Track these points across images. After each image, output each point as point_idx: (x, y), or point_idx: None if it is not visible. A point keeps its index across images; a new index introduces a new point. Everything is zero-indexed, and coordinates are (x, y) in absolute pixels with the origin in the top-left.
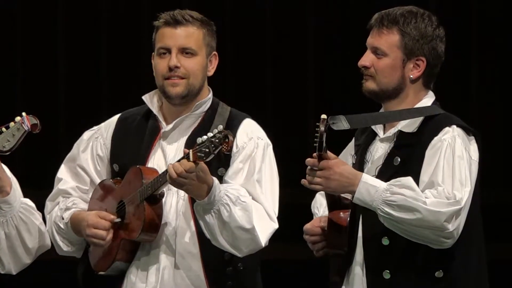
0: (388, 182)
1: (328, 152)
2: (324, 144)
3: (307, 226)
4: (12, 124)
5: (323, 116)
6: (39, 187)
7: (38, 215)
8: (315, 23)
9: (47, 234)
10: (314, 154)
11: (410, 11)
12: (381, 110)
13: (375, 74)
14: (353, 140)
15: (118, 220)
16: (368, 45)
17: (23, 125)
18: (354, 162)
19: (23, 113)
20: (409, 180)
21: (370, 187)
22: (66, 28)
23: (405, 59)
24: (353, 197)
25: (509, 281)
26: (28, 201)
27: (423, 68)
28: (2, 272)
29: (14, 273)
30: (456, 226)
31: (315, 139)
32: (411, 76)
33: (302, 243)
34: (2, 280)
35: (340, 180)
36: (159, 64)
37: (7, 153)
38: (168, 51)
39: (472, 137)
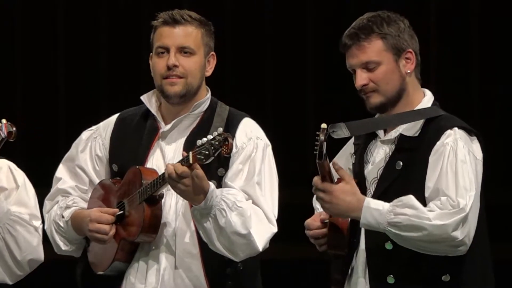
0: (390, 204)
1: (328, 161)
2: (324, 153)
3: (308, 220)
4: None
5: (323, 125)
6: (38, 186)
7: (32, 228)
8: (314, 22)
9: (40, 247)
10: (317, 162)
11: (374, 16)
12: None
13: (376, 87)
14: (352, 138)
15: (121, 212)
16: (354, 66)
17: (0, 132)
18: (354, 161)
19: (3, 120)
20: (410, 198)
21: (374, 211)
22: (65, 27)
23: (396, 58)
24: (358, 222)
25: (509, 281)
26: (20, 213)
27: (414, 58)
28: None
29: (10, 283)
30: (466, 233)
31: (315, 147)
32: (408, 71)
33: (302, 243)
34: None
35: (342, 206)
36: (158, 64)
37: None
38: (167, 50)
39: (474, 137)
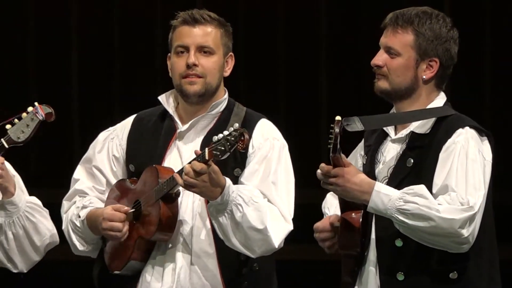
0: (401, 191)
1: (342, 155)
2: (338, 146)
3: (317, 223)
4: (24, 114)
5: (338, 118)
6: (53, 187)
7: (45, 212)
8: (328, 22)
9: (54, 231)
10: (331, 156)
11: (425, 12)
12: (393, 110)
13: (387, 74)
14: (362, 141)
15: (133, 210)
16: (382, 45)
17: (37, 114)
18: (364, 162)
19: (36, 103)
20: (422, 188)
21: (384, 196)
22: (79, 28)
23: (419, 59)
24: (367, 205)
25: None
26: (33, 199)
27: (436, 69)
28: (15, 271)
29: (25, 271)
30: (471, 231)
31: (329, 141)
32: (424, 77)
33: (317, 244)
34: (16, 280)
35: (353, 189)
36: (177, 63)
37: (21, 144)
38: (186, 49)
39: (485, 138)
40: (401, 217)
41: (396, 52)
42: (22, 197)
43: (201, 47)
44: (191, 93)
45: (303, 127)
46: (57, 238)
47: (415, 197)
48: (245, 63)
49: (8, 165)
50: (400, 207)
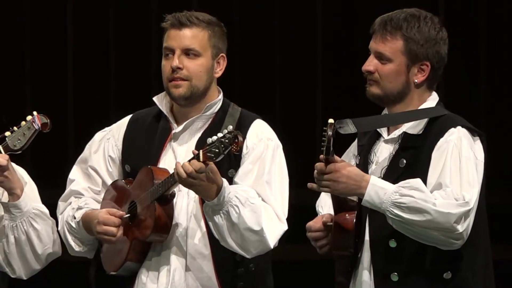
0: (397, 184)
1: (335, 156)
2: (331, 148)
3: (310, 223)
4: (23, 123)
5: (330, 120)
6: (48, 187)
7: (51, 221)
8: (324, 22)
9: (58, 241)
10: (321, 156)
11: (413, 15)
12: (384, 111)
13: (379, 79)
14: (356, 140)
15: (128, 215)
16: (372, 50)
17: (33, 124)
18: (357, 162)
19: (34, 112)
20: (418, 181)
21: (379, 189)
22: (75, 27)
23: (410, 64)
24: (361, 199)
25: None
26: (41, 207)
27: (428, 72)
28: (13, 276)
29: (24, 278)
30: (465, 227)
31: (322, 143)
32: (416, 81)
33: (312, 244)
34: (14, 281)
35: (348, 183)
36: (164, 66)
37: (18, 152)
38: (172, 52)
39: (477, 138)
40: (396, 211)
41: (387, 58)
42: (29, 202)
43: (187, 49)
44: (176, 96)
45: (298, 128)
46: (59, 249)
47: (411, 191)
48: (241, 63)
49: (23, 172)
50: (396, 200)
